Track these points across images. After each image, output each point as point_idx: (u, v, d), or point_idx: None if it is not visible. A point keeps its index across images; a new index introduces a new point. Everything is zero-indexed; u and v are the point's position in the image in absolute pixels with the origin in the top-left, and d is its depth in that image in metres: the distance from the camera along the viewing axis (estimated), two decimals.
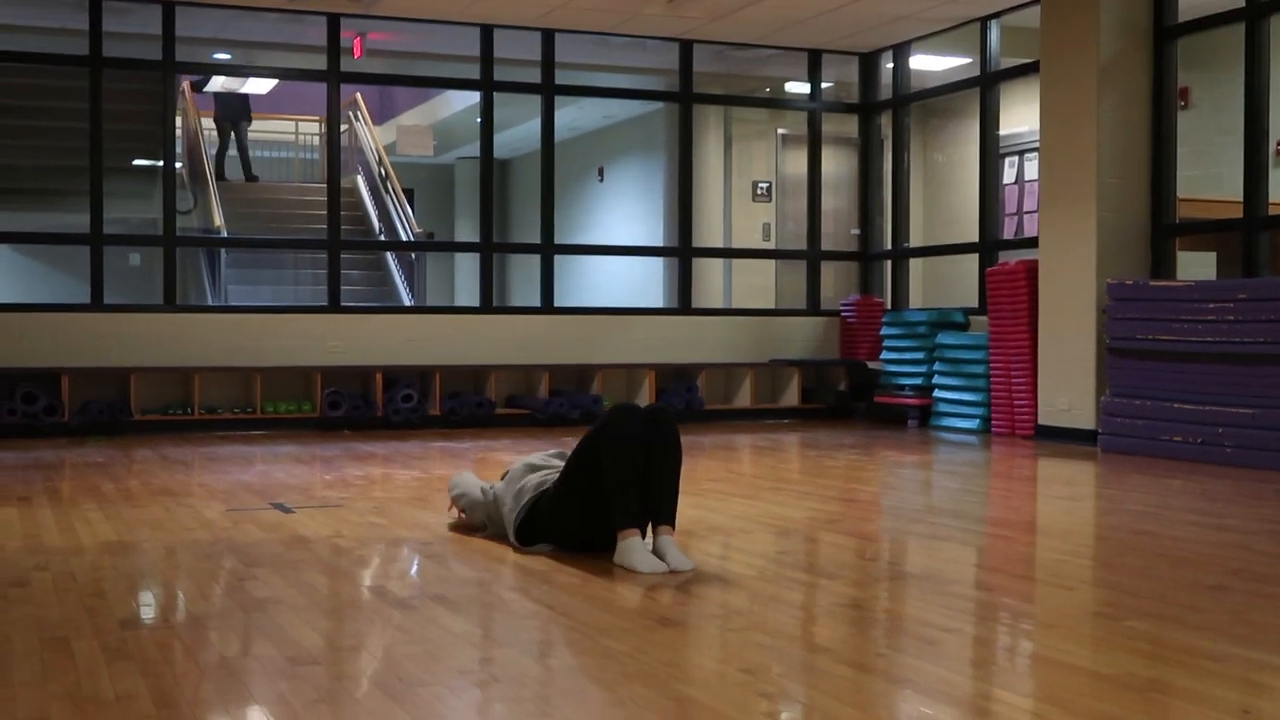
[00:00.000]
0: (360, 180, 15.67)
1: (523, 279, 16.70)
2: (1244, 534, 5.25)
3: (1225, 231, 8.87)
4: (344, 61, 10.69)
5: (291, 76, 11.65)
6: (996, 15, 10.39)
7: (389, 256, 14.46)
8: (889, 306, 11.74)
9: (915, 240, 12.31)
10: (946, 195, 13.22)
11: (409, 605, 3.73)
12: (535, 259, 11.45)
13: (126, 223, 13.05)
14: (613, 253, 14.14)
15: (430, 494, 6.34)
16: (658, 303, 13.06)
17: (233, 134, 15.40)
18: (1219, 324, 7.74)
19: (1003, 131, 10.78)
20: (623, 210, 15.64)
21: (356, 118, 15.91)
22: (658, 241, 13.32)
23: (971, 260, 10.87)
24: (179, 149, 13.89)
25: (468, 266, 16.08)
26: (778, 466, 7.85)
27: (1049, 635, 3.52)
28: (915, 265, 12.13)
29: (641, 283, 13.84)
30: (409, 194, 15.43)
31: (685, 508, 4.72)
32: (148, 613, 3.80)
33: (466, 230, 17.52)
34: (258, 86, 15.06)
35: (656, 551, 4.19)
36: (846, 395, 11.34)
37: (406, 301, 13.75)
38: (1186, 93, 9.67)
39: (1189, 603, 3.87)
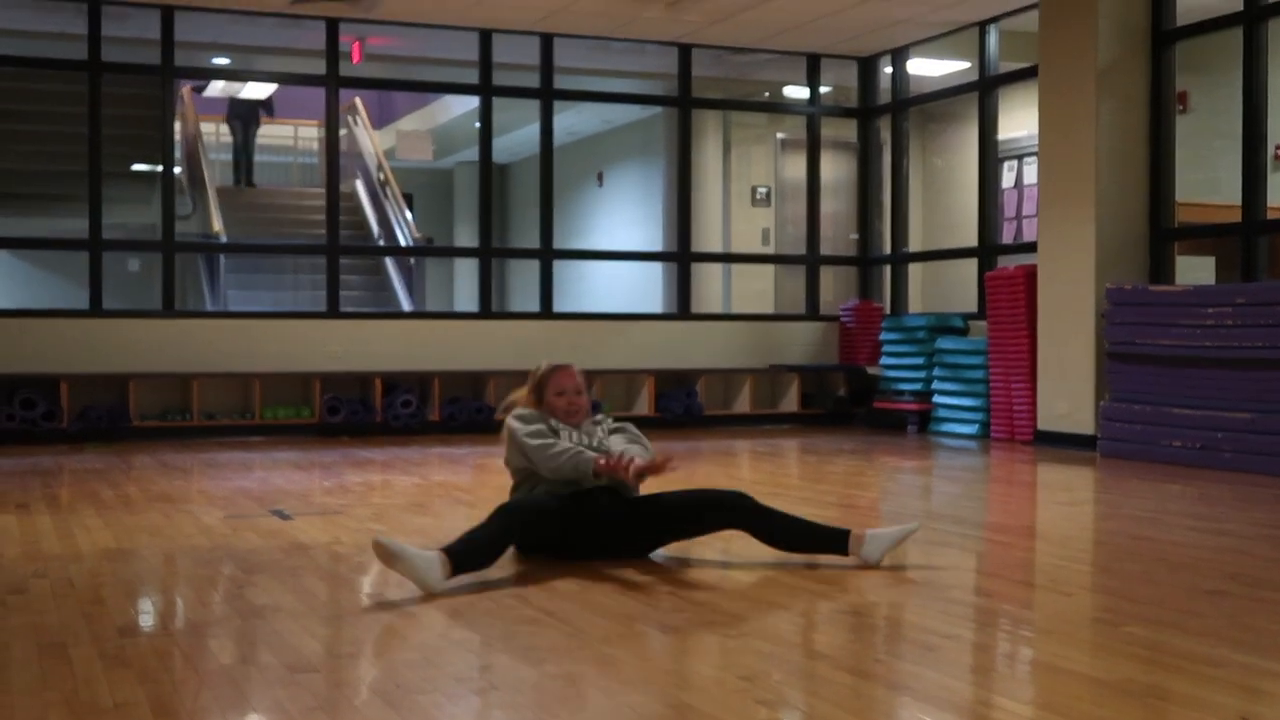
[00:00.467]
0: (359, 185, 15.65)
1: (522, 284, 16.67)
2: (1242, 539, 5.25)
3: (1224, 236, 8.87)
4: (343, 66, 10.70)
5: (290, 81, 11.66)
6: (995, 20, 10.40)
7: (388, 262, 14.45)
8: (888, 311, 11.73)
9: (914, 245, 12.31)
10: (945, 200, 13.21)
11: (408, 612, 3.72)
12: (534, 264, 11.46)
13: (125, 228, 13.03)
14: (612, 258, 14.14)
15: (430, 500, 6.34)
16: (657, 308, 13.06)
17: (242, 135, 15.40)
18: (1218, 329, 7.74)
19: (1001, 136, 10.79)
20: (622, 215, 15.63)
21: (355, 122, 15.90)
22: (657, 246, 13.31)
23: (970, 265, 10.87)
24: (178, 154, 13.88)
25: (467, 272, 16.07)
26: (777, 472, 7.85)
27: (1048, 641, 3.52)
28: (914, 270, 12.12)
29: (641, 288, 13.83)
30: (408, 199, 15.40)
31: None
32: (146, 620, 3.80)
33: (466, 235, 17.49)
34: (256, 91, 15.05)
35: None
36: (846, 400, 11.33)
37: (406, 307, 13.73)
38: (1185, 97, 9.68)
39: (1188, 608, 3.87)
